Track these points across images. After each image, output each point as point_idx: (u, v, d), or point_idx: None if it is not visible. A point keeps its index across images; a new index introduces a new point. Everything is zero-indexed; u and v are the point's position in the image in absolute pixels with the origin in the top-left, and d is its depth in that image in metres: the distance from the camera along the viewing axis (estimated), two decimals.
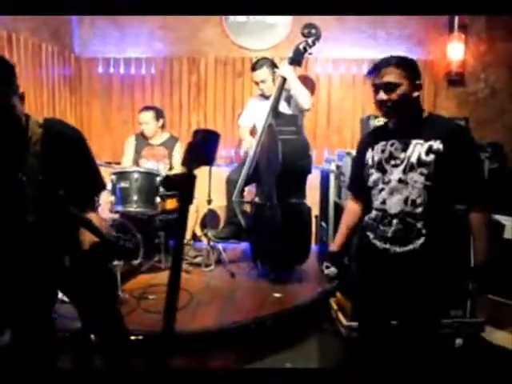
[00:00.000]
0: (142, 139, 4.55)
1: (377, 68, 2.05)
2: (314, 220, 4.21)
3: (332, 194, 3.91)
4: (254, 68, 4.28)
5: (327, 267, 2.37)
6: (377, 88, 2.06)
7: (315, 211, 4.36)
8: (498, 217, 3.57)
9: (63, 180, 1.90)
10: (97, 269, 2.14)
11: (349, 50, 5.06)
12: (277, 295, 3.54)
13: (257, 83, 4.30)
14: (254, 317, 3.20)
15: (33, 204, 1.88)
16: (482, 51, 4.98)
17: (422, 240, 2.04)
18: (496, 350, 3.18)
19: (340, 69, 5.08)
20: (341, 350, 3.15)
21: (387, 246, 2.11)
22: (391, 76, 2.00)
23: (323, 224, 4.20)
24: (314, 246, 4.44)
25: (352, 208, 2.38)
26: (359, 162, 2.27)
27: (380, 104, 2.06)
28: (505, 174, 3.90)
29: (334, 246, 2.40)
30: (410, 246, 2.06)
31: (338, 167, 3.83)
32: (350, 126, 5.07)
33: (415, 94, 2.05)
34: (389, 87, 2.01)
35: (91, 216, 2.03)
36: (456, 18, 4.87)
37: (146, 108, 4.53)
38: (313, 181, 4.30)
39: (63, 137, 1.98)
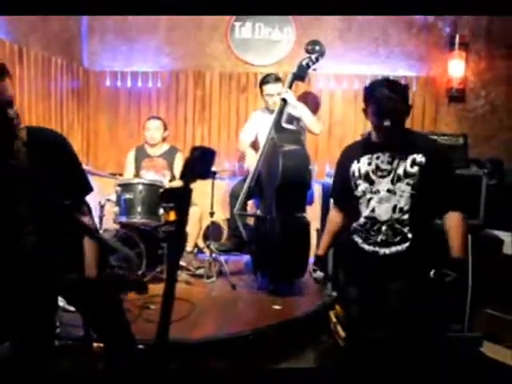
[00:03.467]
0: (142, 151, 4.63)
1: (378, 96, 2.18)
2: (315, 233, 4.26)
3: None
4: (267, 81, 4.33)
5: (314, 270, 2.59)
6: (379, 115, 2.18)
7: (317, 225, 4.41)
8: (496, 232, 3.61)
9: (54, 186, 1.87)
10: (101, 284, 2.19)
11: (351, 66, 5.14)
12: (276, 307, 3.58)
13: (268, 96, 4.34)
14: (253, 328, 3.24)
15: (33, 215, 1.89)
16: (483, 69, 5.05)
17: (407, 243, 2.25)
18: (494, 364, 3.20)
19: (342, 84, 5.15)
20: (338, 361, 3.18)
21: (376, 248, 2.30)
22: (397, 104, 2.17)
23: None
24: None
25: (335, 216, 2.55)
26: (343, 174, 2.43)
27: (384, 129, 2.19)
28: (504, 190, 3.94)
29: (319, 251, 2.61)
30: (397, 248, 2.27)
31: None
32: (351, 140, 5.05)
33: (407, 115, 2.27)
34: (393, 115, 2.16)
35: (84, 220, 2.04)
36: (457, 36, 4.95)
37: (155, 117, 4.67)
38: (314, 194, 4.37)
39: (48, 142, 1.97)
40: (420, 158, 2.20)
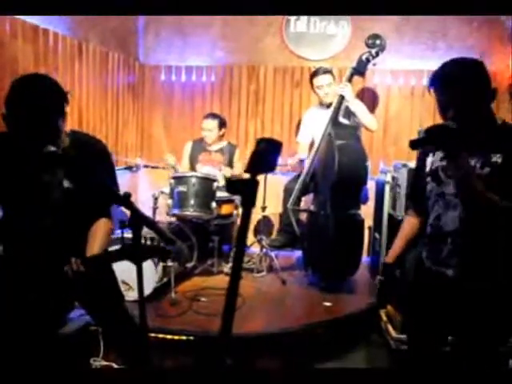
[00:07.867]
0: (200, 144, 4.66)
1: (441, 82, 1.82)
2: (367, 231, 4.19)
3: (386, 205, 3.88)
4: (316, 73, 4.30)
5: (380, 282, 2.16)
6: (440, 105, 1.82)
7: (369, 222, 4.34)
8: None
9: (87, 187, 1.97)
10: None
11: (408, 61, 5.02)
12: (327, 304, 3.56)
13: (318, 88, 4.30)
14: (303, 324, 3.24)
15: (55, 209, 2.00)
16: None
17: (476, 265, 1.80)
18: None
19: (398, 80, 5.04)
20: (389, 361, 3.13)
21: (441, 269, 1.88)
22: (461, 93, 1.75)
23: (376, 235, 4.17)
24: (366, 258, 4.42)
25: (410, 220, 2.11)
26: (419, 169, 2.02)
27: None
28: None
29: (387, 258, 2.17)
30: (464, 271, 1.82)
31: (393, 178, 3.80)
32: (406, 137, 4.91)
33: (487, 101, 1.83)
34: (458, 105, 1.75)
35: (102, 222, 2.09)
36: None
37: (212, 116, 4.61)
38: (369, 192, 4.29)
39: (86, 146, 2.09)
40: (497, 158, 1.72)
